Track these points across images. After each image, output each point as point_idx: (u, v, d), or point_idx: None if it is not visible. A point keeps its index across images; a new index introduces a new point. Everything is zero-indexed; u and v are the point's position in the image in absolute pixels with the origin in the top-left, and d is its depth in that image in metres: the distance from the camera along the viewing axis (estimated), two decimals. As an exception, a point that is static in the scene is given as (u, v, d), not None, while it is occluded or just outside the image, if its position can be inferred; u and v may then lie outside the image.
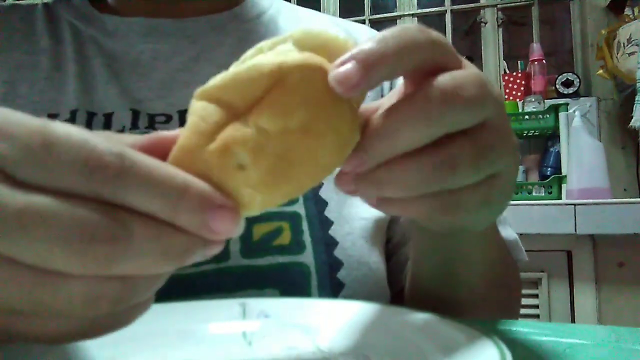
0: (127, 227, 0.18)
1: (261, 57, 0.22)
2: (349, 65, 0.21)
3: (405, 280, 0.46)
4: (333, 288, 0.41)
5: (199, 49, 0.49)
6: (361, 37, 0.55)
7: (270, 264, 0.40)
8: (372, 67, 0.21)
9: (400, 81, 0.27)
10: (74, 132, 0.18)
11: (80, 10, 0.51)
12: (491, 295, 0.39)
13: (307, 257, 0.41)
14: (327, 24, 0.56)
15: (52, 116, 0.44)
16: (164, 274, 0.20)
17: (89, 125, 0.44)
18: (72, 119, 0.44)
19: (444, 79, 0.23)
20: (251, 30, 0.51)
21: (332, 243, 0.42)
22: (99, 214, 0.18)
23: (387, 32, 0.22)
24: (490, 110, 0.24)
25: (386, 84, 0.52)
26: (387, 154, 0.23)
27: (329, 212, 0.44)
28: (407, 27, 0.23)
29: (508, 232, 0.48)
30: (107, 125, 0.44)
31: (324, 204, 0.44)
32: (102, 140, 0.18)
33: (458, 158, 0.23)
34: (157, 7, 0.50)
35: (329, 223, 0.43)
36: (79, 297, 0.18)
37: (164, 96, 0.46)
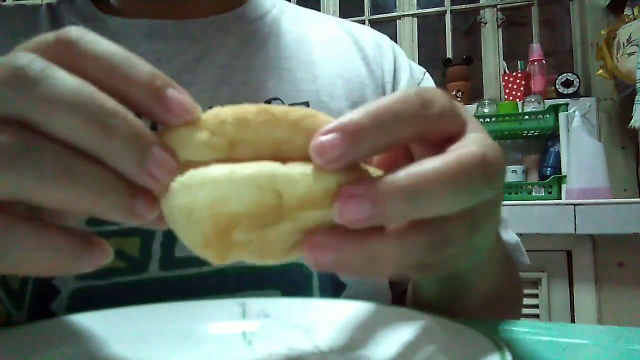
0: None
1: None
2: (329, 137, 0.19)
3: (407, 284, 0.46)
4: (334, 289, 0.41)
5: (202, 50, 0.49)
6: (363, 38, 0.55)
7: (271, 265, 0.40)
8: (352, 138, 0.19)
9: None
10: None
11: (83, 11, 0.51)
12: (494, 306, 0.38)
13: (309, 258, 0.41)
14: (330, 24, 0.56)
15: None
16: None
17: None
18: None
19: (473, 159, 0.19)
20: (254, 31, 0.51)
21: None
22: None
23: (373, 105, 0.20)
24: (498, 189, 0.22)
25: (389, 87, 0.52)
26: (404, 217, 0.19)
27: None
28: (405, 95, 0.20)
29: (510, 236, 0.47)
30: None
31: None
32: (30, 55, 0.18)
33: (453, 236, 0.20)
34: (160, 9, 0.50)
35: None
36: None
37: None
